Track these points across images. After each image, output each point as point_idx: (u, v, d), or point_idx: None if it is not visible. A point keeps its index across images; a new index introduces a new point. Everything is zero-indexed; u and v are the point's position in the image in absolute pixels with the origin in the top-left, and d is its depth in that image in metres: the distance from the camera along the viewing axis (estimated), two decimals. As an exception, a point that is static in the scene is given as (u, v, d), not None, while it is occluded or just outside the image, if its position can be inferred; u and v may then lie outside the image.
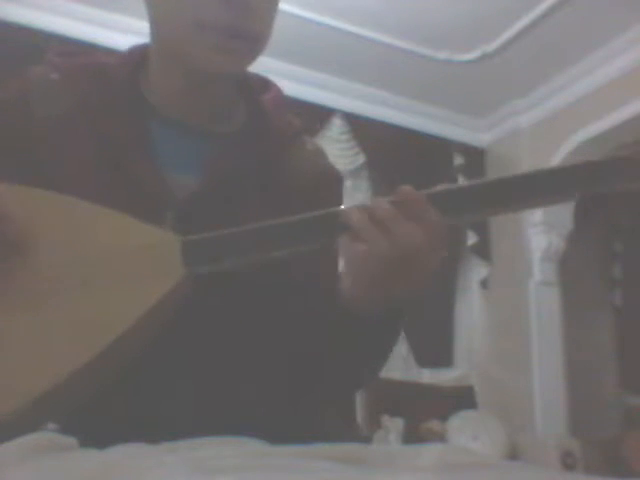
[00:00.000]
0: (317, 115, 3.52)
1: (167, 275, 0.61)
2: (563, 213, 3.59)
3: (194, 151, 0.74)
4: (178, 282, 0.61)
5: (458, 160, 3.90)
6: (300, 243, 0.62)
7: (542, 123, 3.71)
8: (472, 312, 3.87)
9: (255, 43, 0.70)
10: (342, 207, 0.62)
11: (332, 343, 0.71)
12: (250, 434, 0.52)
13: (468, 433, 3.18)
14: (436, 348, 3.71)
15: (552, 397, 3.45)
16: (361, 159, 3.66)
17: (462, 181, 3.87)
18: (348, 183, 3.70)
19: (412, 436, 3.07)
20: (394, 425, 3.11)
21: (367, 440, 2.97)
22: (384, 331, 0.70)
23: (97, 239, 0.63)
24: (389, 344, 0.73)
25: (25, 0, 2.99)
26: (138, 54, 0.77)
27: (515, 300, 3.66)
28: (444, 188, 0.63)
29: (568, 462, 3.11)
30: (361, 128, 3.65)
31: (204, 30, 0.67)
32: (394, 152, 3.68)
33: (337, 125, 3.62)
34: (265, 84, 0.83)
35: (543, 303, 3.55)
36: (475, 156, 3.97)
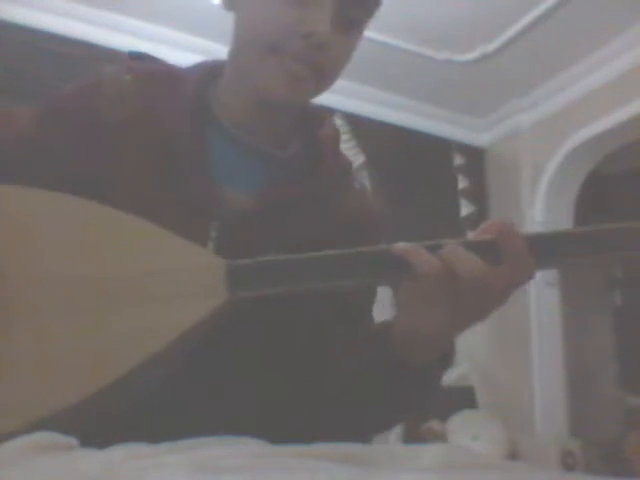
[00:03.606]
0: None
1: (209, 298, 0.60)
2: (563, 213, 3.59)
3: (249, 169, 0.76)
4: (220, 305, 0.60)
5: (458, 160, 3.90)
6: (353, 277, 0.60)
7: (542, 123, 3.71)
8: (472, 312, 3.86)
9: (322, 80, 0.73)
10: (399, 243, 0.60)
11: (372, 385, 0.70)
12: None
13: (468, 433, 3.18)
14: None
15: (552, 397, 3.45)
16: (361, 159, 3.66)
17: (462, 181, 3.88)
18: (348, 183, 3.70)
19: (412, 436, 3.07)
20: (394, 425, 3.10)
21: (367, 440, 2.97)
22: (429, 378, 0.68)
23: (142, 255, 0.62)
24: (428, 393, 0.71)
25: (25, 0, 2.99)
26: (210, 68, 0.80)
27: (515, 300, 3.65)
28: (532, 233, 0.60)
29: (568, 462, 3.11)
30: (361, 128, 3.65)
31: (277, 56, 0.69)
32: (394, 152, 3.68)
33: (337, 125, 3.62)
34: (322, 117, 0.85)
35: (543, 303, 3.55)
36: (475, 156, 3.97)
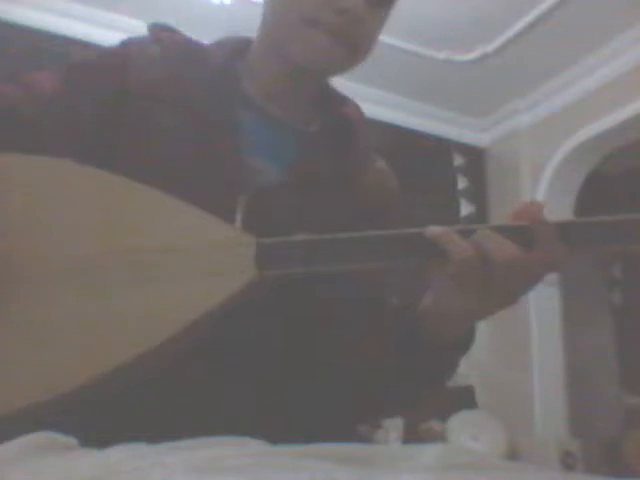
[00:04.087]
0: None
1: (239, 275, 0.59)
2: (563, 213, 3.59)
3: (278, 142, 0.77)
4: (248, 283, 0.59)
5: (458, 160, 3.90)
6: (382, 259, 0.60)
7: (542, 123, 3.71)
8: (472, 312, 3.86)
9: (355, 52, 0.75)
10: (432, 227, 0.59)
11: (395, 361, 0.71)
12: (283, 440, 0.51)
13: (468, 433, 3.18)
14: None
15: (552, 397, 3.45)
16: (361, 159, 3.66)
17: (462, 181, 3.87)
18: (348, 183, 3.69)
19: (412, 436, 3.07)
20: (394, 425, 3.11)
21: (367, 440, 2.97)
22: (451, 357, 0.71)
23: (170, 231, 0.61)
24: (448, 372, 0.75)
25: (25, 0, 2.99)
26: (238, 44, 0.82)
27: (515, 300, 3.65)
28: (569, 220, 0.60)
29: (568, 462, 3.11)
30: (361, 128, 3.65)
31: (313, 28, 0.72)
32: (394, 152, 3.68)
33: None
34: (343, 97, 0.88)
35: (543, 303, 3.55)
36: (475, 156, 3.97)
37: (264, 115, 0.77)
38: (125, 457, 0.45)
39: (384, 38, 3.51)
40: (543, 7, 2.98)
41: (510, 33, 3.18)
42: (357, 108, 0.86)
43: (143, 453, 0.46)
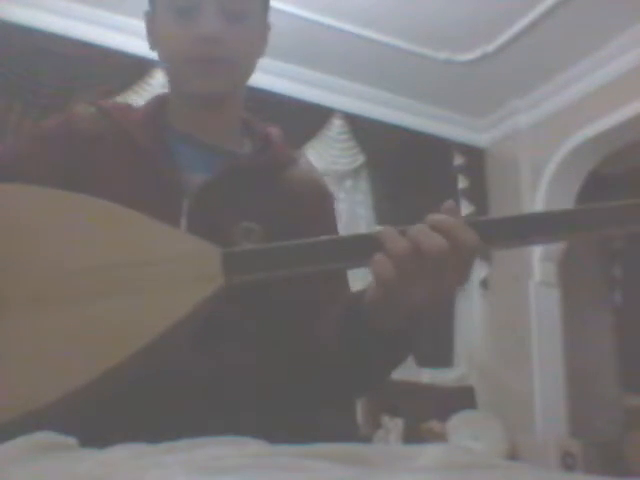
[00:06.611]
0: (317, 115, 3.52)
1: (207, 283, 0.63)
2: (563, 213, 3.59)
3: (206, 159, 0.88)
4: (217, 290, 0.63)
5: (458, 160, 3.90)
6: (335, 262, 0.66)
7: (542, 123, 3.71)
8: (472, 312, 3.87)
9: (230, 67, 0.86)
10: (379, 230, 0.65)
11: (347, 349, 0.77)
12: (252, 433, 0.52)
13: (468, 433, 3.18)
14: (436, 348, 3.71)
15: (552, 397, 3.45)
16: (361, 159, 3.66)
17: (462, 181, 3.88)
18: (348, 183, 3.70)
19: (412, 436, 3.07)
20: (394, 425, 3.11)
21: (367, 440, 2.97)
22: (395, 345, 0.75)
23: (136, 245, 0.65)
24: (396, 358, 0.79)
25: (25, 0, 2.99)
26: (160, 98, 0.96)
27: (515, 300, 3.66)
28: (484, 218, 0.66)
29: (568, 462, 3.11)
30: (361, 128, 3.65)
31: (191, 64, 0.84)
32: (394, 152, 3.68)
33: (337, 125, 3.62)
34: (264, 124, 0.99)
35: (543, 303, 3.55)
36: (475, 156, 3.97)
37: (192, 142, 0.89)
38: (125, 457, 0.45)
39: (384, 38, 3.49)
40: (543, 7, 2.98)
41: (510, 33, 3.18)
42: (278, 129, 0.98)
43: (143, 453, 0.46)
